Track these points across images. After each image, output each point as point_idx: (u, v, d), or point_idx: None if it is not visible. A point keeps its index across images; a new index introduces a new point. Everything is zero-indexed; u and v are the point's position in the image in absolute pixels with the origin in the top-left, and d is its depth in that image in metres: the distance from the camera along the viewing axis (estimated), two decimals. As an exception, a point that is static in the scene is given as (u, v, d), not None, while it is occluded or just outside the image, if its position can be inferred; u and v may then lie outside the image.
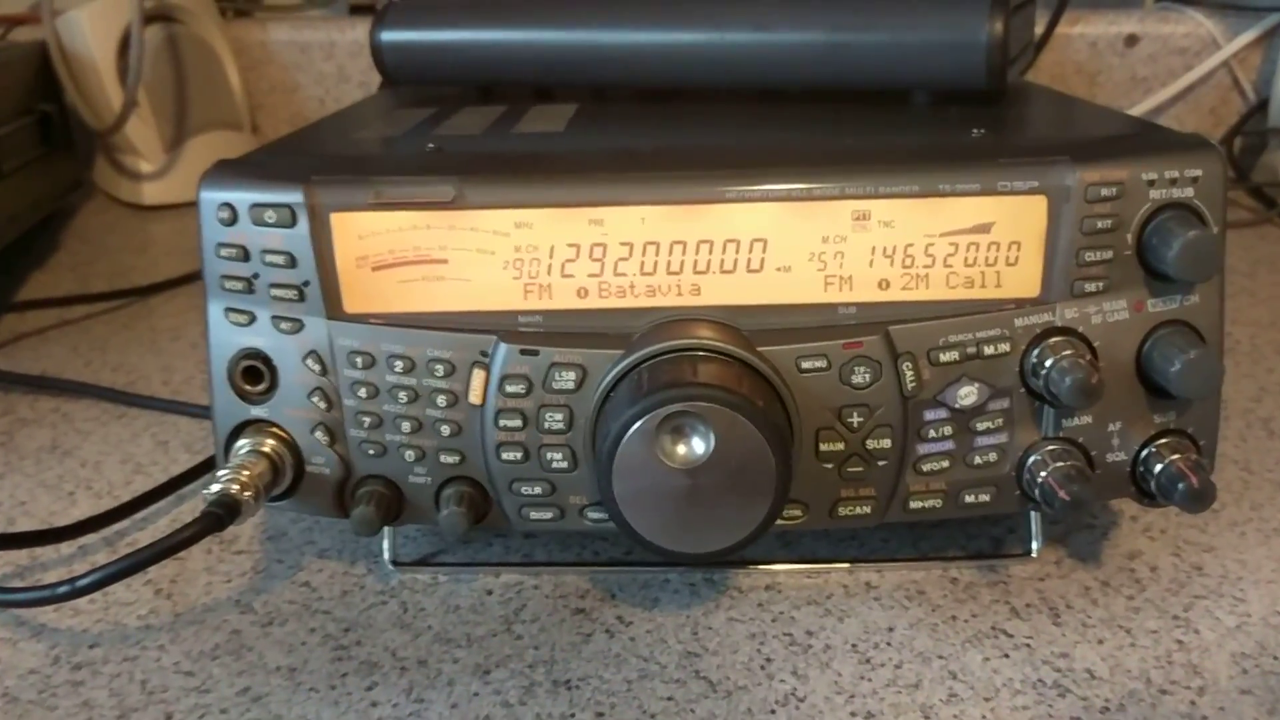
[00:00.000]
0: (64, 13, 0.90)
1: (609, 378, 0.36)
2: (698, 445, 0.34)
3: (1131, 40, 0.94)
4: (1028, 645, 0.39)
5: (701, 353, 0.36)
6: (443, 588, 0.43)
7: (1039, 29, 0.92)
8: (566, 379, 0.37)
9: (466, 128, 0.47)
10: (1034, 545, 0.43)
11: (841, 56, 0.48)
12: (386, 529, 0.43)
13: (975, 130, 0.41)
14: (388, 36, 0.55)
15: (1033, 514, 0.43)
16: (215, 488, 0.37)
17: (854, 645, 0.39)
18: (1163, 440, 0.39)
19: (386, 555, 0.44)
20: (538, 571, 0.44)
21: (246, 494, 0.37)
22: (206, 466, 0.50)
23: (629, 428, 0.34)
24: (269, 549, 0.46)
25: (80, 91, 0.90)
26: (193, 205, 0.39)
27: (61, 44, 0.89)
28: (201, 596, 0.43)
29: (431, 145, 0.42)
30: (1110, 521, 0.46)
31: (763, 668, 0.38)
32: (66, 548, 0.47)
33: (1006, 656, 0.39)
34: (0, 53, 0.83)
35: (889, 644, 0.39)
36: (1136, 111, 0.94)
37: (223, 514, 0.36)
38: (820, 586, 0.43)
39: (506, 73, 0.53)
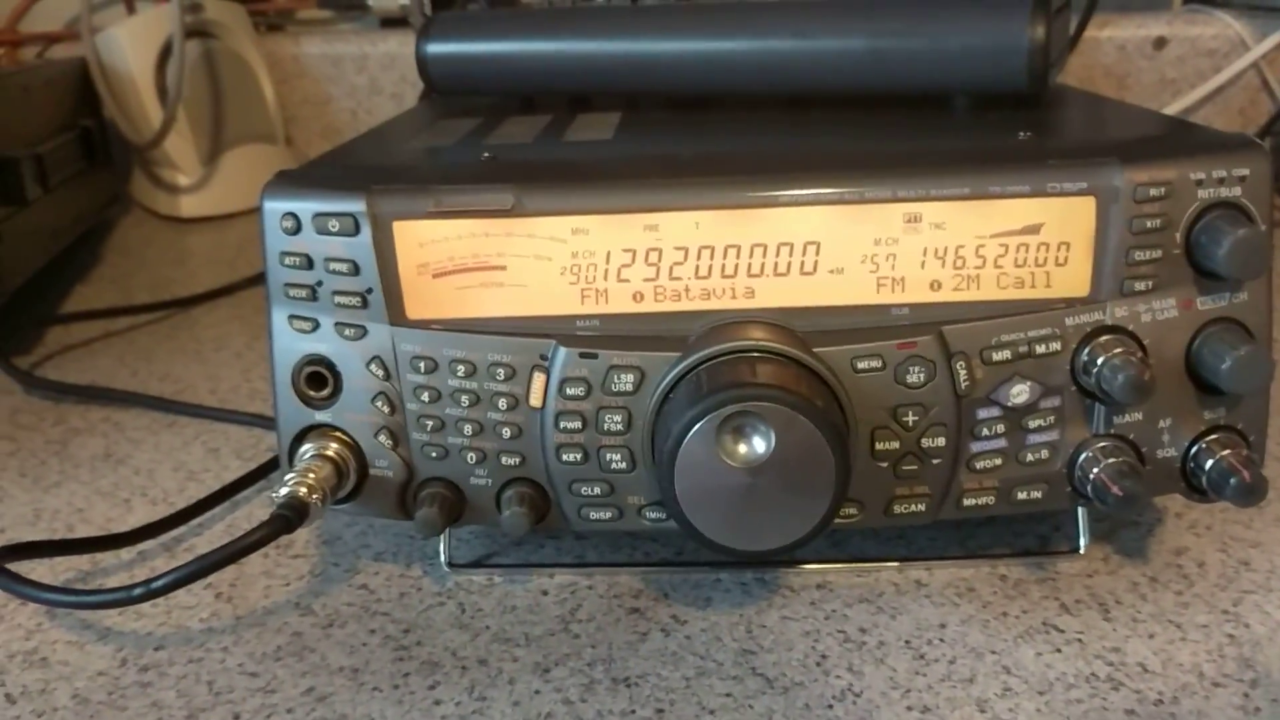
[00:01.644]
0: (103, 29, 0.92)
1: (667, 379, 0.37)
2: (758, 444, 0.35)
3: (1160, 43, 0.94)
4: (1079, 640, 0.40)
5: (759, 354, 0.36)
6: (498, 589, 0.44)
7: (1068, 32, 0.93)
8: (625, 381, 0.38)
9: (516, 136, 0.47)
10: (1082, 542, 0.43)
11: (882, 62, 0.48)
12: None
13: (1022, 132, 0.42)
14: (434, 49, 0.56)
15: (1080, 511, 0.43)
16: (284, 490, 0.38)
17: (907, 641, 0.40)
18: (1213, 436, 0.39)
19: (443, 557, 0.45)
20: (591, 572, 0.44)
21: (314, 496, 0.38)
22: (260, 473, 0.51)
23: (691, 428, 0.35)
24: (325, 552, 0.47)
25: (120, 107, 0.92)
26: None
27: (101, 60, 0.91)
28: (261, 599, 0.44)
29: (487, 154, 0.43)
30: (1156, 518, 0.46)
31: (818, 664, 0.39)
32: (126, 553, 0.48)
33: (1059, 651, 0.39)
34: (42, 70, 0.84)
35: (942, 640, 0.40)
36: (1166, 113, 0.94)
37: (291, 516, 0.37)
38: (871, 585, 0.43)
39: (548, 82, 0.54)
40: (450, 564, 0.45)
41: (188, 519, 0.49)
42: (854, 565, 0.44)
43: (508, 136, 0.48)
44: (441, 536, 0.45)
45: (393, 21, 1.05)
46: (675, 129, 0.49)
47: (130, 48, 0.91)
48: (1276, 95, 0.94)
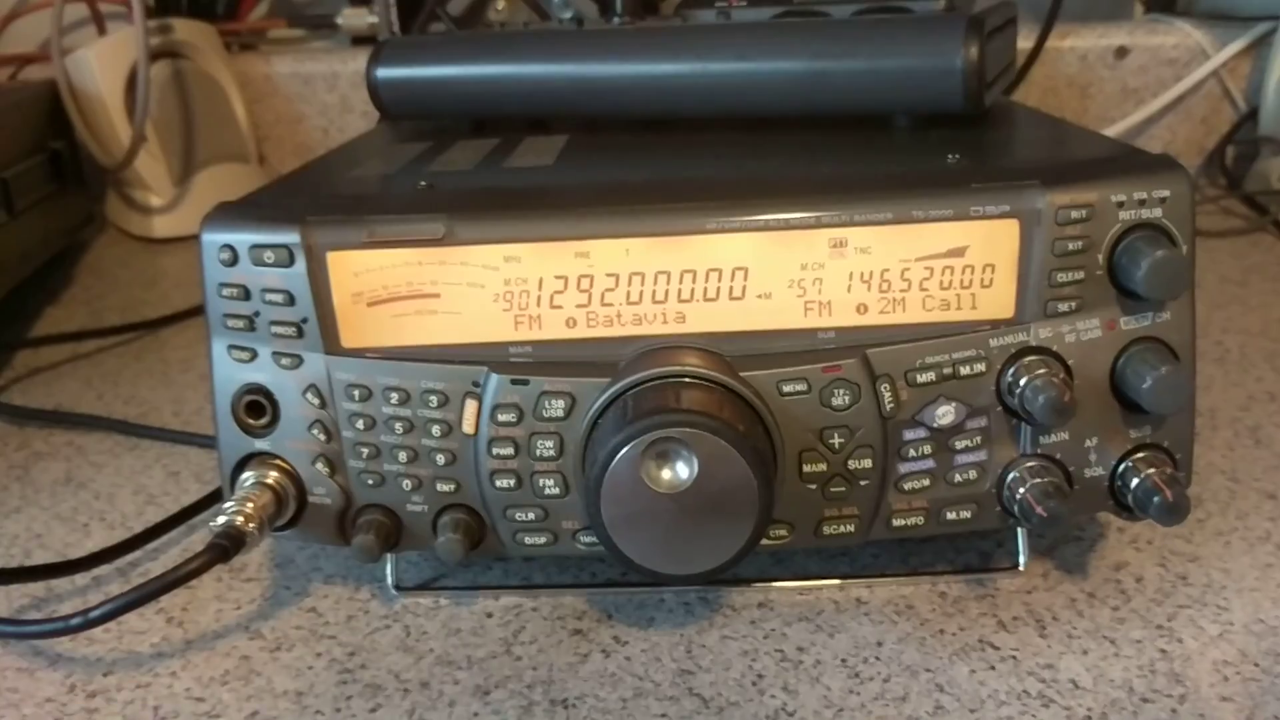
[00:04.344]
0: (73, 51, 0.92)
1: (597, 405, 0.38)
2: (682, 470, 0.35)
3: (1121, 52, 0.95)
4: (1014, 657, 0.40)
5: (685, 379, 0.37)
6: (444, 611, 0.44)
7: (1029, 43, 0.94)
8: (556, 407, 0.38)
9: (459, 163, 0.48)
10: (1021, 559, 0.44)
11: (821, 84, 0.49)
12: (389, 555, 0.45)
13: (950, 156, 0.42)
14: (383, 73, 0.56)
15: (1019, 529, 0.44)
16: (221, 520, 0.39)
17: (844, 660, 0.40)
18: (1139, 455, 0.40)
19: (390, 580, 0.45)
20: (536, 594, 0.45)
21: (251, 525, 0.38)
22: (216, 497, 0.52)
23: (615, 454, 0.35)
24: (277, 575, 0.47)
25: (90, 128, 0.92)
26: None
27: (71, 82, 0.91)
28: (212, 624, 0.45)
29: (424, 183, 0.43)
30: (1097, 534, 0.47)
31: (754, 684, 0.40)
32: (81, 579, 0.48)
33: (993, 668, 0.40)
34: (12, 93, 0.85)
35: (878, 658, 0.40)
36: (1129, 123, 0.95)
37: (228, 545, 0.38)
38: (812, 603, 0.44)
39: (499, 106, 0.54)
40: (398, 587, 0.45)
41: (143, 543, 0.49)
42: (796, 584, 0.44)
43: (450, 164, 0.48)
44: (388, 560, 0.45)
45: (363, 40, 1.06)
46: (618, 154, 0.50)
47: (99, 69, 0.91)
48: (1238, 103, 0.94)
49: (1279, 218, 0.83)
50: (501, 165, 0.47)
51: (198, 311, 0.79)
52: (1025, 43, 0.94)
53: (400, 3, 0.98)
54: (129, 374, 0.70)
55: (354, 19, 1.02)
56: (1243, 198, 0.89)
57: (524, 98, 0.54)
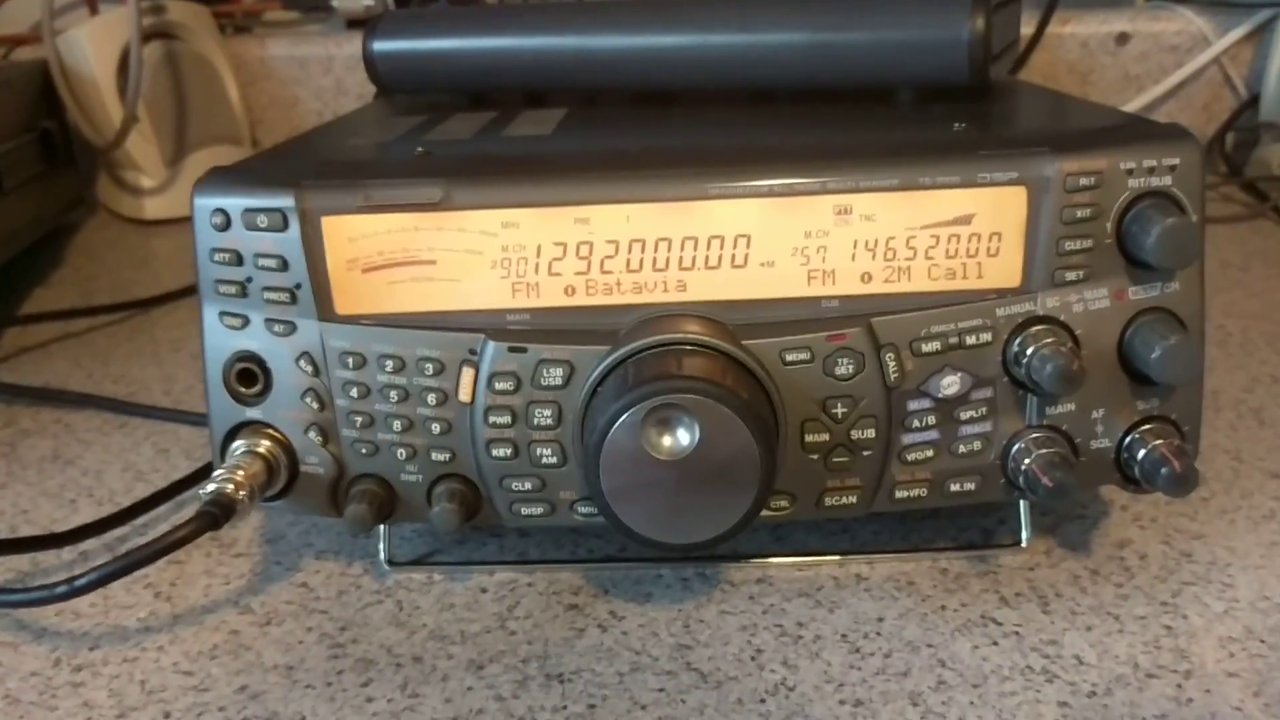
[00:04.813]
0: (65, 31, 0.91)
1: (596, 373, 0.37)
2: (683, 437, 0.35)
3: (1123, 39, 0.94)
4: (1016, 633, 0.39)
5: (686, 347, 0.36)
6: (438, 586, 0.44)
7: (1030, 29, 0.93)
8: (554, 375, 0.38)
9: (457, 133, 0.47)
10: (1024, 535, 0.43)
11: (825, 56, 0.48)
12: (382, 529, 0.44)
13: (957, 124, 0.42)
14: (380, 46, 0.55)
15: (1022, 504, 0.43)
16: (210, 487, 0.38)
17: (844, 635, 0.40)
18: (1146, 426, 0.39)
19: (383, 555, 0.44)
20: (532, 569, 0.44)
21: (241, 494, 0.38)
22: (205, 473, 0.51)
23: (615, 421, 0.34)
24: (267, 551, 0.47)
25: (81, 109, 0.91)
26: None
27: (63, 62, 0.90)
28: (200, 598, 0.44)
29: (420, 149, 0.43)
30: (1101, 511, 0.46)
31: (753, 658, 0.39)
32: (68, 553, 0.47)
33: (995, 644, 0.39)
34: (3, 72, 0.84)
35: (879, 634, 0.40)
36: (1129, 109, 0.95)
37: (218, 513, 0.37)
38: (811, 579, 0.43)
39: (496, 79, 0.54)
40: (390, 562, 0.44)
41: (130, 518, 0.48)
42: (795, 559, 0.44)
43: (449, 133, 0.47)
44: (381, 534, 0.44)
45: (358, 23, 1.05)
46: (618, 125, 0.49)
47: (91, 49, 0.90)
48: (1239, 90, 0.94)
49: (1279, 204, 0.82)
50: (499, 135, 0.46)
51: (189, 292, 0.78)
52: (1027, 28, 0.93)
53: (396, -16, 0.98)
54: (119, 353, 0.69)
55: (349, 1, 1.01)
56: (1243, 184, 0.89)
57: (522, 70, 0.53)
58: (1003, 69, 0.53)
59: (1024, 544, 0.43)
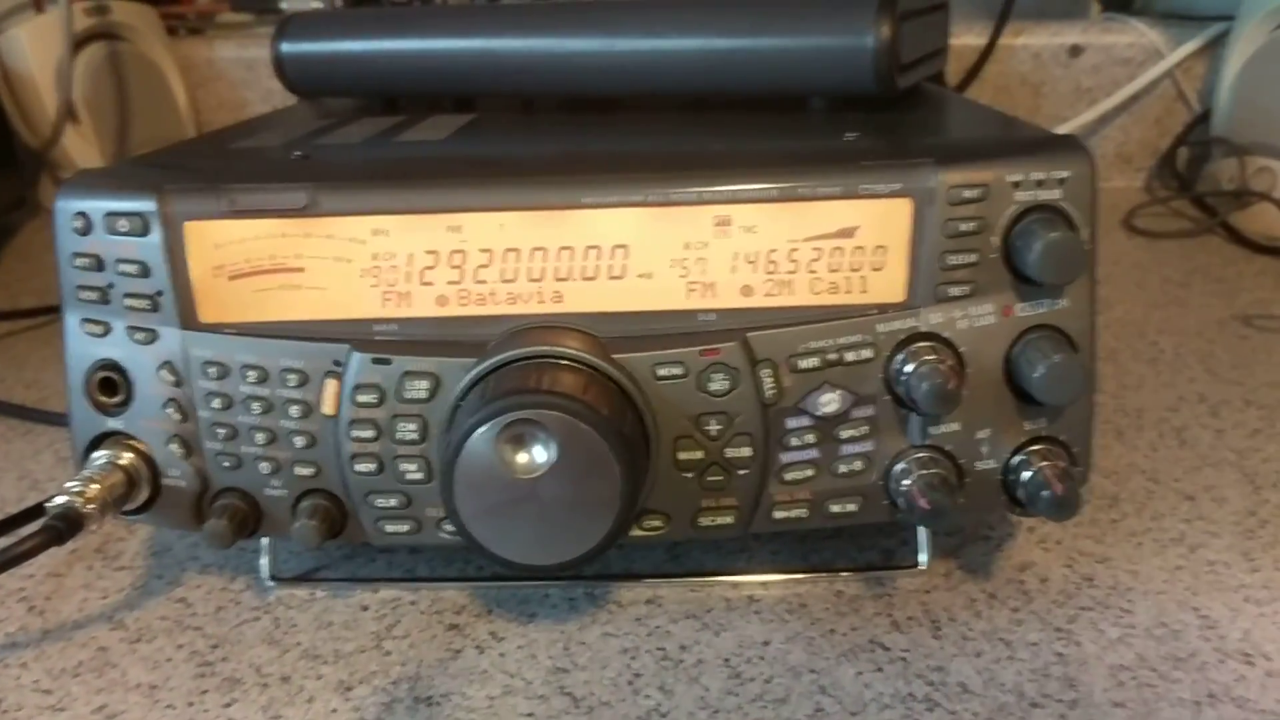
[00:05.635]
0: (5, 31, 0.90)
1: (460, 386, 0.36)
2: (540, 454, 0.34)
3: (1075, 51, 0.93)
4: (903, 659, 0.38)
5: (550, 359, 0.35)
6: (319, 603, 0.42)
7: (982, 40, 0.92)
8: (419, 388, 0.36)
9: (349, 137, 0.46)
10: (922, 557, 0.42)
11: (732, 62, 0.47)
12: (265, 543, 0.43)
13: (848, 134, 0.40)
14: (288, 48, 0.54)
15: (920, 526, 0.42)
16: (59, 500, 0.37)
17: (726, 660, 0.39)
18: (1034, 448, 0.38)
19: (265, 571, 0.43)
20: (417, 587, 0.43)
21: (90, 507, 0.36)
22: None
23: (469, 435, 0.33)
24: (151, 564, 0.45)
25: (19, 108, 0.90)
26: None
27: (2, 61, 0.89)
28: (74, 613, 0.42)
29: (298, 153, 0.41)
30: (1006, 533, 0.45)
31: (630, 683, 0.38)
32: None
33: (880, 670, 0.38)
34: (-65, 70, 0.83)
35: (762, 658, 0.39)
36: (1081, 121, 0.94)
37: (63, 527, 0.36)
38: (702, 600, 0.42)
39: (404, 83, 0.53)
40: (274, 577, 0.43)
41: (12, 528, 0.47)
42: (687, 580, 0.42)
43: (343, 137, 0.46)
44: (264, 549, 0.43)
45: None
46: (519, 132, 0.48)
47: (31, 48, 0.89)
48: (1191, 104, 0.93)
49: (1228, 219, 0.81)
50: (392, 140, 0.45)
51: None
52: (978, 39, 0.93)
53: (345, -13, 0.97)
54: (35, 359, 0.68)
55: (299, 4, 1.00)
56: (1193, 199, 0.88)
57: (429, 74, 0.52)
58: (918, 77, 0.52)
59: (923, 565, 0.42)
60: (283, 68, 0.54)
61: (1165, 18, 0.94)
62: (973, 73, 0.92)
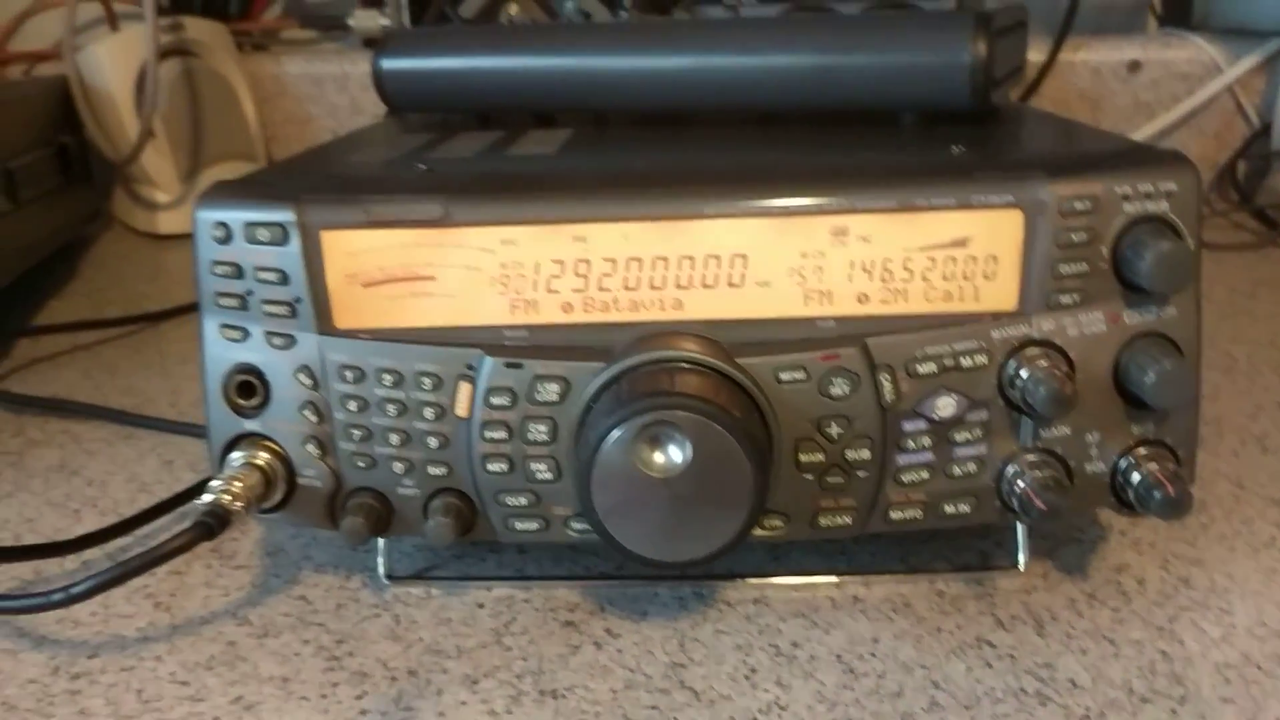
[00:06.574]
0: (84, 48, 0.93)
1: (591, 389, 0.37)
2: (675, 454, 0.35)
3: (1134, 66, 0.94)
4: (1011, 656, 0.39)
5: (680, 364, 0.36)
6: (435, 601, 0.44)
7: (1042, 56, 0.93)
8: (550, 391, 0.38)
9: (460, 151, 0.48)
10: (1020, 558, 0.43)
11: (827, 79, 0.48)
12: (380, 544, 0.44)
13: (955, 147, 0.42)
14: (389, 64, 0.56)
15: (1019, 526, 0.43)
16: (207, 498, 0.38)
17: (839, 656, 0.40)
18: (1141, 450, 0.39)
19: (381, 570, 0.45)
20: (529, 585, 0.44)
21: (237, 504, 0.38)
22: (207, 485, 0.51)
23: (608, 436, 0.35)
24: (267, 564, 0.47)
25: (99, 124, 0.92)
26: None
27: (82, 78, 0.91)
28: (199, 609, 0.44)
29: (423, 166, 0.43)
30: (1099, 535, 0.46)
31: (747, 678, 0.39)
32: (70, 562, 0.48)
33: (989, 666, 0.39)
34: (20, 86, 0.85)
35: (873, 654, 0.40)
36: (1140, 136, 0.95)
37: (213, 524, 0.37)
38: (808, 599, 0.43)
39: (502, 99, 0.54)
40: (389, 576, 0.45)
41: (133, 528, 0.49)
42: (792, 580, 0.44)
43: (452, 151, 0.48)
44: (380, 548, 0.44)
45: (374, 42, 1.06)
46: (622, 146, 0.50)
47: (110, 65, 0.91)
48: (1251, 119, 0.94)
49: (1289, 232, 0.82)
50: (503, 153, 0.47)
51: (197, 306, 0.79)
52: (1038, 55, 0.94)
53: (412, 4, 0.98)
54: (127, 366, 0.70)
55: (366, 20, 1.02)
56: (1254, 212, 0.89)
57: (529, 91, 0.53)
58: (1007, 94, 0.53)
59: (1021, 567, 0.43)
60: (382, 83, 0.56)
61: (1224, 33, 0.95)
62: (1032, 87, 0.93)
